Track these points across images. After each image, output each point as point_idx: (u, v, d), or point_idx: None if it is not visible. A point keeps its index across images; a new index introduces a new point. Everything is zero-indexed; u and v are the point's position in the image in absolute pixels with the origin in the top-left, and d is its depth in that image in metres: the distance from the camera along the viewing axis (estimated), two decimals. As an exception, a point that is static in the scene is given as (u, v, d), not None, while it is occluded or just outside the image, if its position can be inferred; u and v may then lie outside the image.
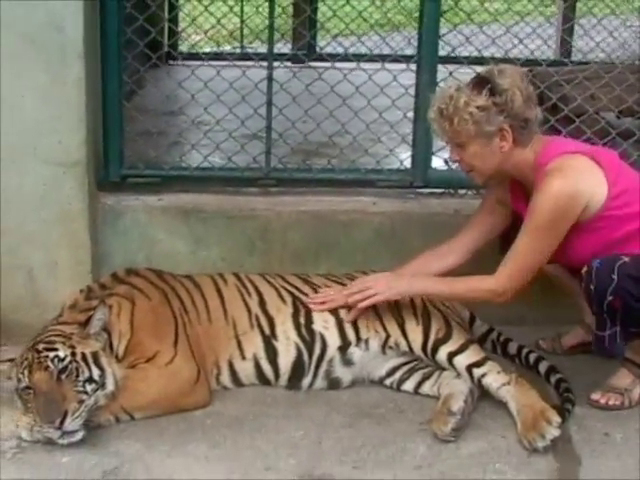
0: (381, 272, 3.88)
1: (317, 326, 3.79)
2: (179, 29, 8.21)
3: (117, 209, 4.17)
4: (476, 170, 3.62)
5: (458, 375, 3.68)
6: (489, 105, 3.47)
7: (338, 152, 4.58)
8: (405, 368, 3.81)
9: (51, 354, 3.31)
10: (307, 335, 3.78)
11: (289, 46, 8.88)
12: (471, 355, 3.70)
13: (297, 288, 3.90)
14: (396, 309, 3.83)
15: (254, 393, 3.74)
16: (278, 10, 6.93)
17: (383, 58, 4.49)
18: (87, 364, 3.35)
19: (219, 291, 3.85)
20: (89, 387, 3.32)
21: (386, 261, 4.17)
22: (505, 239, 3.77)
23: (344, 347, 3.78)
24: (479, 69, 3.65)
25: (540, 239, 3.49)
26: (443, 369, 3.75)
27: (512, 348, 4.06)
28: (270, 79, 4.23)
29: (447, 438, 3.41)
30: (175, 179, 4.36)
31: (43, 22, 3.80)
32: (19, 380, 3.34)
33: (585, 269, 3.49)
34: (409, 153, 4.47)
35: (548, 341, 4.18)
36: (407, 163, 4.47)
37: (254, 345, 3.76)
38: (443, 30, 4.27)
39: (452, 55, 4.48)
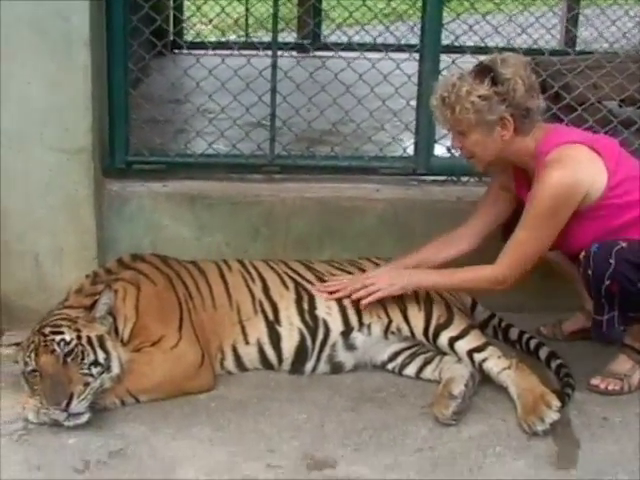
0: (384, 265, 3.96)
1: (320, 311, 3.84)
2: (184, 18, 8.22)
3: (122, 195, 4.20)
4: (477, 157, 3.65)
5: (459, 360, 3.72)
6: (491, 94, 3.50)
7: (342, 140, 4.62)
8: (407, 353, 3.85)
9: (57, 337, 3.36)
10: (310, 320, 3.82)
11: (294, 35, 8.92)
12: (472, 340, 3.73)
13: (300, 274, 3.94)
14: (399, 295, 3.86)
15: (258, 377, 3.79)
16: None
17: (387, 47, 4.52)
18: (93, 347, 3.40)
19: (223, 277, 3.89)
20: (95, 370, 3.37)
21: (389, 247, 4.23)
22: (506, 227, 3.80)
23: (347, 332, 3.82)
24: (483, 58, 3.67)
25: (540, 229, 3.53)
26: (444, 354, 3.78)
27: (513, 334, 4.10)
28: (274, 67, 4.26)
29: (448, 421, 3.45)
30: (180, 166, 4.41)
31: (49, 11, 3.83)
32: (26, 363, 3.38)
33: (583, 254, 3.53)
34: (412, 141, 4.50)
35: (549, 327, 4.21)
36: (410, 151, 4.50)
37: (258, 330, 3.80)
38: (448, 20, 4.29)
39: (455, 44, 4.50)
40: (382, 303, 3.84)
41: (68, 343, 3.35)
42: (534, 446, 3.35)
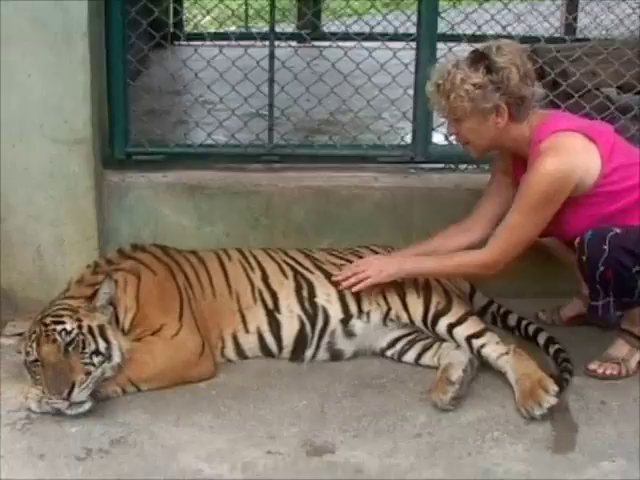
0: (376, 253, 4.03)
1: (319, 299, 3.86)
2: (184, 10, 8.24)
3: (122, 186, 4.23)
4: (472, 144, 3.68)
5: (458, 346, 3.75)
6: (485, 82, 3.51)
7: (340, 129, 4.64)
8: (406, 340, 3.88)
9: (58, 327, 3.39)
10: (310, 308, 3.85)
11: (294, 26, 8.94)
12: (470, 326, 3.76)
13: (299, 262, 3.97)
14: (398, 282, 3.89)
15: (258, 365, 3.82)
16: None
17: (384, 36, 4.53)
18: (94, 337, 3.43)
19: (223, 266, 3.92)
20: (96, 359, 3.40)
21: (387, 235, 4.26)
22: None
23: (346, 319, 3.85)
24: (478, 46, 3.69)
25: (531, 215, 3.55)
26: (443, 340, 3.81)
27: (512, 320, 4.12)
28: (272, 57, 4.29)
29: (446, 407, 3.48)
30: (180, 156, 4.43)
31: (48, 2, 3.85)
32: (28, 353, 3.41)
33: (578, 240, 3.55)
34: (410, 129, 4.51)
35: (547, 313, 4.23)
36: (408, 139, 4.52)
37: (257, 319, 3.83)
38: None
39: (451, 33, 4.52)
40: (381, 290, 3.87)
41: (69, 333, 3.38)
42: (532, 430, 3.37)
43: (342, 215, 4.32)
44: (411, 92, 4.42)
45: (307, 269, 3.94)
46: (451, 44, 4.33)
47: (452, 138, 3.89)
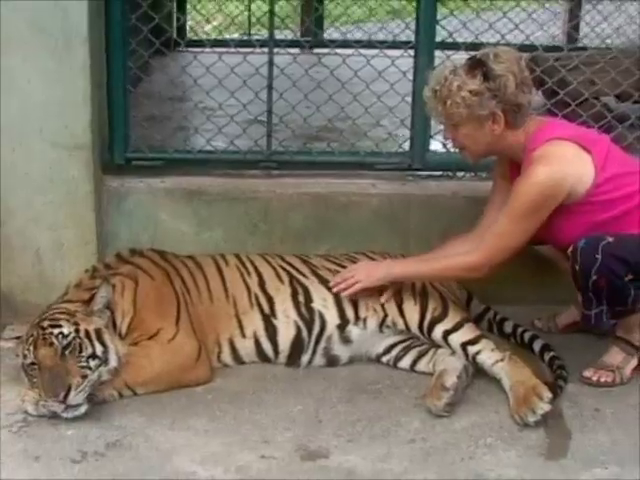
0: (373, 259, 4.05)
1: (316, 304, 3.88)
2: (188, 17, 8.28)
3: (122, 191, 4.25)
4: (468, 149, 3.70)
5: (453, 352, 3.76)
6: (482, 90, 3.54)
7: (338, 135, 4.67)
8: (402, 346, 3.89)
9: (55, 331, 3.41)
10: (306, 313, 3.87)
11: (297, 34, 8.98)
12: (466, 333, 3.77)
13: (295, 267, 3.99)
14: (396, 289, 3.90)
15: (255, 370, 3.83)
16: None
17: (383, 44, 4.55)
18: (90, 340, 3.45)
19: (220, 271, 3.94)
20: (92, 363, 3.42)
21: (385, 241, 4.28)
22: None
23: (342, 325, 3.87)
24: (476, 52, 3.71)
25: (519, 222, 3.57)
26: (439, 347, 3.82)
27: (508, 327, 4.14)
28: (271, 64, 4.32)
29: (441, 413, 3.50)
30: (179, 162, 4.45)
31: (49, 8, 3.88)
32: (25, 356, 3.44)
33: (571, 249, 3.57)
34: (408, 136, 4.53)
35: (543, 320, 4.25)
36: (406, 146, 4.54)
37: (254, 323, 3.85)
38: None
39: (450, 41, 4.54)
40: (379, 297, 3.89)
41: (66, 336, 3.41)
42: (525, 437, 3.39)
43: (340, 221, 4.34)
44: (409, 100, 4.44)
45: (303, 275, 3.96)
46: (449, 52, 4.34)
47: (449, 143, 3.93)
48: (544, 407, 3.42)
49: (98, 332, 3.49)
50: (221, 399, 3.61)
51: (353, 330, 3.88)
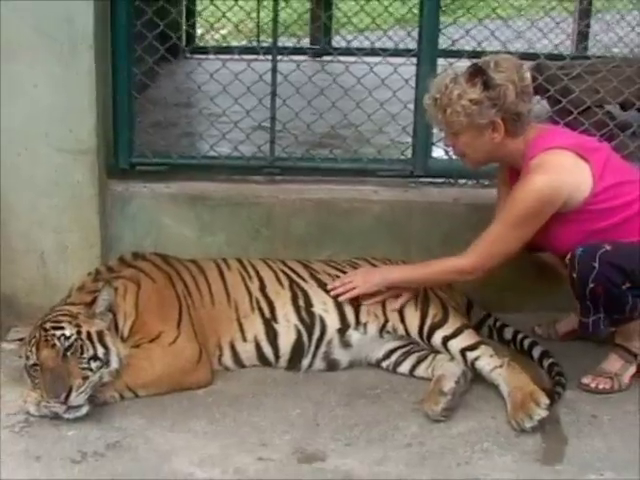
0: (373, 265, 4.09)
1: (316, 309, 3.91)
2: (197, 22, 8.33)
3: (126, 196, 4.29)
4: (468, 157, 3.74)
5: (452, 358, 3.79)
6: (482, 98, 3.56)
7: (341, 142, 4.70)
8: (401, 351, 3.92)
9: (58, 332, 3.45)
10: (307, 317, 3.90)
11: (307, 41, 9.04)
12: (465, 339, 3.80)
13: (296, 272, 4.02)
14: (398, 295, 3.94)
15: (255, 374, 3.86)
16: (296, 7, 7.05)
17: (386, 51, 4.59)
18: (92, 342, 3.49)
19: (222, 275, 3.97)
20: (94, 364, 3.46)
21: (386, 248, 4.30)
22: None
23: (343, 330, 3.90)
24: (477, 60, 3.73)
25: (513, 229, 3.60)
26: (438, 352, 3.85)
27: (508, 333, 4.16)
28: (274, 70, 4.36)
29: (438, 418, 3.52)
30: (183, 167, 4.49)
31: (55, 15, 3.92)
32: (27, 357, 3.48)
33: (569, 257, 3.59)
34: (410, 143, 4.56)
35: (543, 327, 4.27)
36: (408, 153, 4.57)
37: (255, 327, 3.88)
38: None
39: (452, 49, 4.58)
40: (382, 303, 3.93)
41: (68, 338, 3.45)
42: (522, 442, 3.41)
43: (342, 227, 4.37)
44: (411, 107, 4.46)
45: (304, 279, 3.99)
46: (451, 60, 4.38)
47: (449, 150, 3.97)
48: (541, 413, 3.44)
49: (100, 334, 3.53)
50: (221, 402, 3.64)
51: (353, 335, 3.91)
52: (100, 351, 3.49)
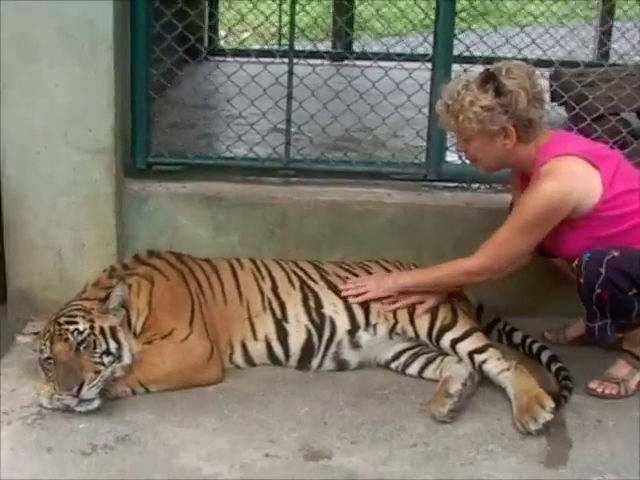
0: (385, 267, 4.15)
1: (327, 310, 3.96)
2: (220, 26, 8.41)
3: (142, 195, 4.36)
4: (479, 162, 3.77)
5: (460, 360, 3.82)
6: (494, 105, 3.59)
7: (356, 145, 4.74)
8: (410, 352, 3.96)
9: (71, 327, 3.52)
10: (317, 318, 3.94)
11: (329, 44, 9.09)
12: (473, 342, 3.83)
13: (307, 273, 4.07)
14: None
15: (265, 372, 3.92)
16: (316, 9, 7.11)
17: (401, 56, 4.64)
18: (105, 337, 3.56)
19: (235, 275, 4.03)
20: (106, 359, 3.52)
21: (399, 250, 4.34)
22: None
23: (353, 331, 3.94)
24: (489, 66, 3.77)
25: (521, 234, 3.64)
26: (446, 354, 3.89)
27: (517, 337, 4.19)
28: (291, 73, 4.41)
29: (444, 419, 3.56)
30: (199, 168, 4.55)
31: (76, 16, 4.00)
32: (41, 351, 3.55)
33: (576, 262, 3.62)
34: (424, 147, 4.60)
35: (553, 332, 4.29)
36: (422, 157, 4.61)
37: (266, 327, 3.93)
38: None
39: (466, 54, 4.62)
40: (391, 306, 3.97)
41: (81, 332, 3.51)
42: (526, 445, 3.44)
43: (355, 229, 4.41)
44: (426, 111, 4.50)
45: (315, 281, 4.04)
46: (466, 65, 4.41)
47: (463, 155, 4.00)
48: (546, 416, 3.47)
49: (113, 330, 3.60)
50: (231, 399, 3.70)
51: (363, 336, 3.95)
52: (112, 346, 3.56)
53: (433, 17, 4.46)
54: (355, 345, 3.95)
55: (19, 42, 4.01)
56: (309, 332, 3.93)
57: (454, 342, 3.86)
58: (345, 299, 3.97)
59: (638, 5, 7.97)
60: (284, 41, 8.64)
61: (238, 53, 5.58)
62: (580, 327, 4.20)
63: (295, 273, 4.07)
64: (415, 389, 3.84)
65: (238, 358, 3.94)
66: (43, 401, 3.53)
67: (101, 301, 3.66)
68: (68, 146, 4.14)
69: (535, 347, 4.09)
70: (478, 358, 3.78)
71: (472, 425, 3.56)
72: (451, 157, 4.57)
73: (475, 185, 4.57)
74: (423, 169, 4.55)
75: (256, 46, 8.59)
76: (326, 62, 5.99)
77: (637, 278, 3.53)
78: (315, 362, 3.95)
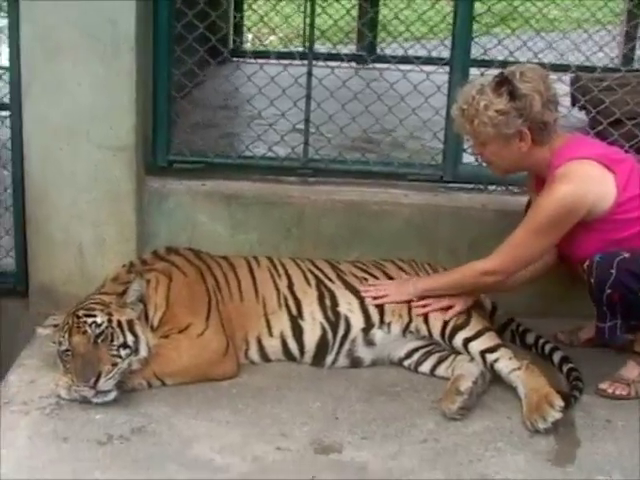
0: (400, 267, 4.22)
1: (342, 308, 4.01)
2: (244, 28, 8.48)
3: (162, 192, 4.43)
4: (494, 165, 3.82)
5: (472, 359, 3.87)
6: (508, 109, 3.63)
7: (374, 146, 4.79)
8: (423, 351, 4.01)
9: (89, 320, 3.60)
10: (332, 316, 4.00)
11: (353, 47, 9.15)
12: (486, 341, 3.87)
13: (323, 272, 4.13)
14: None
15: (280, 368, 3.97)
16: (341, 12, 7.15)
17: (419, 59, 4.69)
18: (122, 330, 3.63)
19: (252, 272, 4.09)
20: (123, 352, 3.59)
21: (414, 250, 4.39)
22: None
23: (367, 328, 3.99)
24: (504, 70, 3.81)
25: (536, 236, 3.69)
26: (459, 353, 3.93)
27: (530, 338, 4.22)
28: (310, 75, 4.48)
29: (454, 416, 3.60)
30: (218, 166, 4.62)
31: (99, 17, 4.09)
32: (60, 343, 3.63)
33: (587, 263, 3.66)
34: (441, 149, 4.65)
35: (566, 333, 4.32)
36: (439, 158, 4.65)
37: (281, 324, 3.99)
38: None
39: (483, 58, 4.66)
40: (407, 304, 4.02)
41: (99, 325, 3.59)
42: (535, 443, 3.48)
43: (371, 229, 4.46)
44: (443, 113, 4.54)
45: (330, 279, 4.10)
46: (483, 69, 4.46)
47: (478, 157, 4.04)
48: (555, 415, 3.51)
49: (130, 323, 3.67)
50: (245, 393, 3.76)
51: (377, 334, 4.00)
52: (130, 339, 3.63)
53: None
54: (369, 343, 4.00)
55: (43, 42, 4.11)
56: (324, 329, 3.99)
57: (466, 341, 3.90)
58: (361, 298, 4.02)
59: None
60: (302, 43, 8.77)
61: (259, 54, 5.64)
62: (592, 329, 4.22)
63: (311, 271, 4.13)
64: (427, 387, 3.88)
65: (253, 354, 4.00)
66: (61, 392, 3.60)
67: (119, 295, 3.73)
68: (90, 143, 4.22)
69: (547, 348, 4.12)
70: (490, 357, 3.82)
71: (482, 423, 3.60)
72: (467, 159, 4.61)
73: (491, 187, 4.62)
74: (440, 170, 4.60)
75: (280, 48, 8.68)
76: (346, 65, 6.03)
77: (647, 279, 3.57)
78: (329, 359, 4.00)
